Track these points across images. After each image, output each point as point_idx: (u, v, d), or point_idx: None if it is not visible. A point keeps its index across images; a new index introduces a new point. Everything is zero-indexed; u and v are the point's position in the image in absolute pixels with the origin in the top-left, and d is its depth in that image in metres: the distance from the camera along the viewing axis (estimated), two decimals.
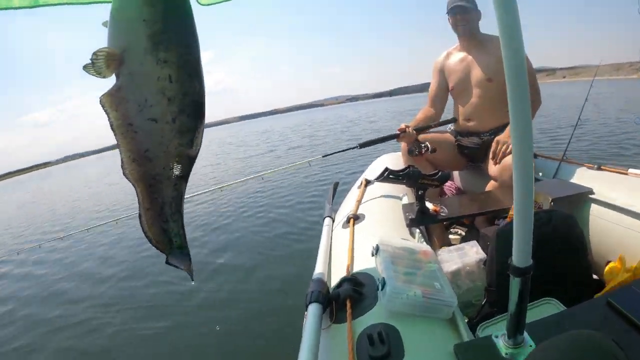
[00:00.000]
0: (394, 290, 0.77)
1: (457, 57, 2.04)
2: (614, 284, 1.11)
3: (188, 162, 0.71)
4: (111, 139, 0.65)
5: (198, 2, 1.22)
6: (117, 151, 0.66)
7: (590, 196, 1.45)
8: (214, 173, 9.32)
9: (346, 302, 0.84)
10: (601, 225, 1.39)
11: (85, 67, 0.58)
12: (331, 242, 1.37)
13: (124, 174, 0.67)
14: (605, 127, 7.29)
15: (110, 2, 0.64)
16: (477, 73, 1.93)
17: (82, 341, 2.55)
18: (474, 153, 2.05)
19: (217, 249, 3.69)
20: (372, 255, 0.98)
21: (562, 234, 1.12)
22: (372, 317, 0.80)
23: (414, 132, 1.93)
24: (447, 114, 2.18)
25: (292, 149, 11.74)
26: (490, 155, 1.74)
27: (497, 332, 0.71)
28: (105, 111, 0.61)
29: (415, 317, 0.78)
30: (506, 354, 0.67)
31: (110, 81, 0.63)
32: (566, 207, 1.45)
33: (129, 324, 2.63)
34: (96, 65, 0.59)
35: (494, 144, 1.74)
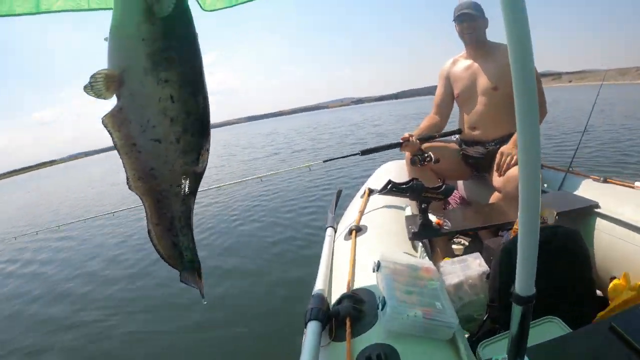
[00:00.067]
0: (394, 311, 0.77)
1: (463, 65, 2.03)
2: (617, 302, 1.10)
3: (195, 179, 0.70)
4: None
5: (202, 8, 1.23)
6: None
7: (596, 210, 1.44)
8: (218, 175, 9.35)
9: (346, 320, 0.84)
10: (606, 240, 1.38)
11: (84, 89, 0.58)
12: (333, 254, 1.37)
13: (129, 188, 0.67)
14: (610, 133, 7.24)
15: (111, 8, 0.63)
16: (482, 81, 1.92)
17: (82, 341, 2.58)
18: (478, 163, 2.03)
19: (219, 253, 3.70)
20: (374, 271, 0.97)
21: (566, 250, 1.11)
22: (371, 337, 0.80)
23: (418, 141, 1.91)
24: (453, 120, 2.17)
25: (297, 152, 11.75)
26: (495, 167, 1.73)
27: (498, 354, 0.71)
28: (108, 131, 0.61)
29: (415, 337, 0.78)
30: None
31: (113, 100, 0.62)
32: (571, 220, 1.44)
33: (129, 325, 2.65)
34: (95, 88, 0.58)
35: (498, 156, 1.73)
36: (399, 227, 1.49)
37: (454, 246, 1.97)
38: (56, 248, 5.25)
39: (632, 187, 1.52)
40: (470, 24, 1.89)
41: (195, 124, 0.65)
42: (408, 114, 24.11)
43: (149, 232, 0.72)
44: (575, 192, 1.63)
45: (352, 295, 0.92)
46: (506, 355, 0.67)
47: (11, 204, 15.15)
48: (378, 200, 1.79)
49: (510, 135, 1.83)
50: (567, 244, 1.11)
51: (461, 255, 1.71)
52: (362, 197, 1.90)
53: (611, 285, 1.20)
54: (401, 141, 1.92)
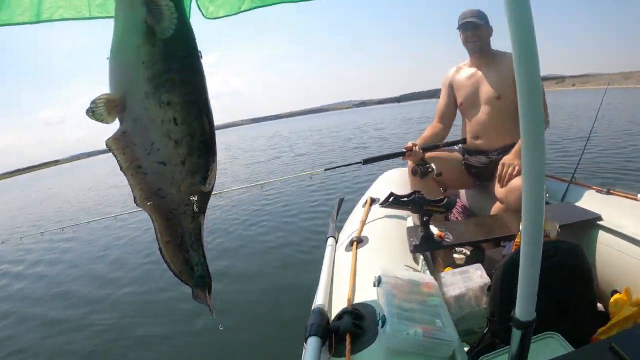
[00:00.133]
0: (394, 329, 0.77)
1: (466, 73, 2.03)
2: (618, 318, 1.10)
3: (203, 198, 0.70)
4: None
5: (204, 16, 1.23)
6: None
7: (599, 222, 1.44)
8: (220, 179, 9.33)
9: (346, 336, 0.84)
10: (608, 253, 1.37)
11: (87, 113, 0.57)
12: (333, 266, 1.37)
13: (137, 206, 0.67)
14: (613, 139, 7.19)
15: (111, 17, 0.61)
16: (486, 89, 1.92)
17: (82, 342, 2.60)
18: (481, 172, 2.03)
19: (220, 256, 3.71)
20: (374, 285, 0.98)
21: (568, 265, 1.11)
22: (371, 354, 0.80)
23: (421, 151, 1.90)
24: (456, 128, 2.17)
25: (300, 156, 11.74)
26: (497, 178, 1.73)
27: None
28: (113, 154, 0.60)
29: (415, 355, 0.78)
30: None
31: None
32: (573, 233, 1.43)
33: (129, 328, 2.68)
34: (96, 113, 0.57)
35: (499, 167, 1.73)
36: (401, 239, 1.49)
37: (455, 255, 1.97)
38: (63, 249, 5.30)
39: (636, 199, 1.51)
40: (474, 32, 1.89)
41: (200, 145, 0.64)
42: (412, 117, 24.08)
43: (160, 250, 0.72)
44: (577, 204, 1.62)
45: (353, 311, 0.92)
46: None
47: (18, 201, 15.30)
48: (380, 209, 1.79)
49: (513, 145, 1.83)
50: (569, 260, 1.11)
51: (462, 265, 1.71)
52: (363, 206, 1.90)
53: (612, 299, 1.19)
54: (404, 150, 1.91)
